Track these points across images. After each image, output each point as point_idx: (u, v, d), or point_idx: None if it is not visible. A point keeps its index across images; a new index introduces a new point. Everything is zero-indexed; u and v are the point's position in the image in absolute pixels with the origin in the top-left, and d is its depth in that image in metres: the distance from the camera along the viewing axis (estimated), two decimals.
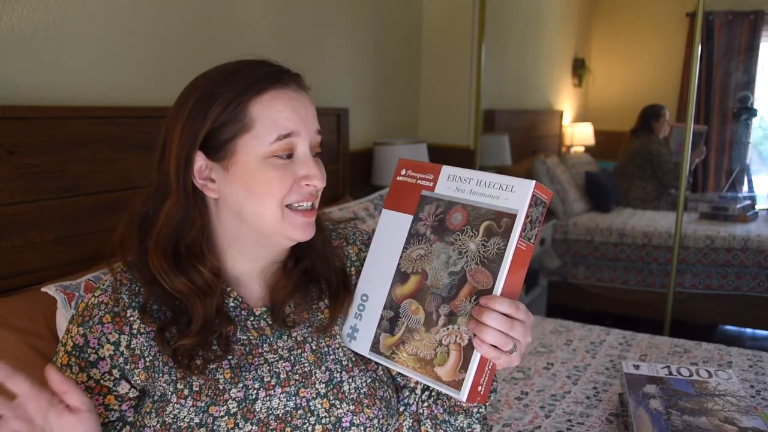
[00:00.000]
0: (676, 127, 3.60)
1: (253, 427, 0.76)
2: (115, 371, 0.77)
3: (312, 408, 0.79)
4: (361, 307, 0.81)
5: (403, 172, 0.81)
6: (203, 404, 0.76)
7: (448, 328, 0.71)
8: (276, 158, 0.76)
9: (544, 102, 4.10)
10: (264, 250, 0.83)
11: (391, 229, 0.80)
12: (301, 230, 0.79)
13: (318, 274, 0.87)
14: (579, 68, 4.19)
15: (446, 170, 0.77)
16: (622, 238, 3.34)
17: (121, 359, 0.77)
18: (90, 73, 1.56)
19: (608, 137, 4.06)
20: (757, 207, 3.44)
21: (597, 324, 2.07)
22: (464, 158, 3.19)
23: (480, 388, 0.69)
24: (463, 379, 0.68)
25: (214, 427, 0.75)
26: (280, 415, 0.77)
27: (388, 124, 2.99)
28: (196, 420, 0.75)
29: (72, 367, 0.77)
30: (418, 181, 0.79)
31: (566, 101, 4.23)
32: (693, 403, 1.24)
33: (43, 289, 1.22)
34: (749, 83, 3.57)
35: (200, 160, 0.77)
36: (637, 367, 1.40)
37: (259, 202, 0.76)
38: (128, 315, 0.77)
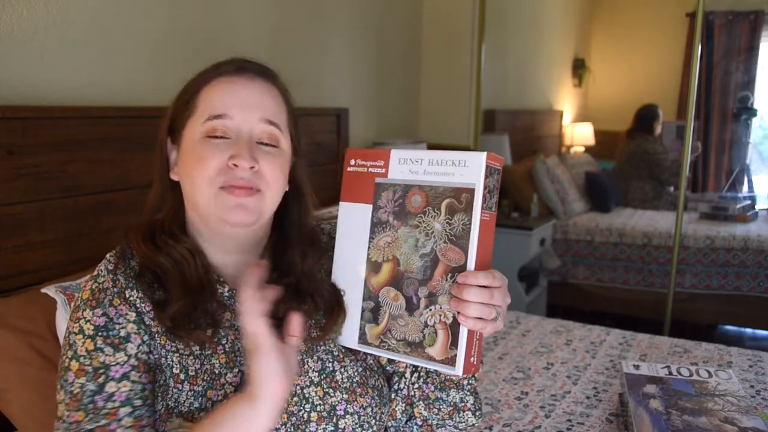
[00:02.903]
0: (666, 123, 3.61)
1: None
2: (144, 347, 0.76)
3: (306, 395, 0.80)
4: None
5: (353, 162, 0.81)
6: (200, 388, 0.76)
7: (430, 309, 0.72)
8: (210, 138, 0.77)
9: (544, 102, 4.10)
10: (219, 237, 0.82)
11: (352, 221, 0.80)
12: (234, 211, 0.76)
13: (307, 292, 0.85)
14: (579, 68, 4.19)
15: (396, 154, 0.77)
16: (622, 238, 3.34)
17: (146, 336, 0.76)
18: (90, 73, 1.56)
19: (608, 137, 4.06)
20: (757, 207, 3.44)
21: (597, 324, 2.07)
22: None
23: (472, 359, 0.71)
24: (456, 354, 0.70)
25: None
26: (291, 391, 0.79)
27: (388, 124, 2.99)
28: (196, 404, 0.76)
29: (104, 350, 0.74)
30: (370, 169, 0.79)
31: (566, 101, 4.24)
32: (693, 403, 1.24)
33: (43, 290, 1.22)
34: (749, 83, 3.57)
35: (169, 146, 0.84)
36: (637, 367, 1.40)
37: (193, 180, 0.77)
38: (127, 295, 0.77)
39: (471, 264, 0.69)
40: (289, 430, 0.78)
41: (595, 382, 1.61)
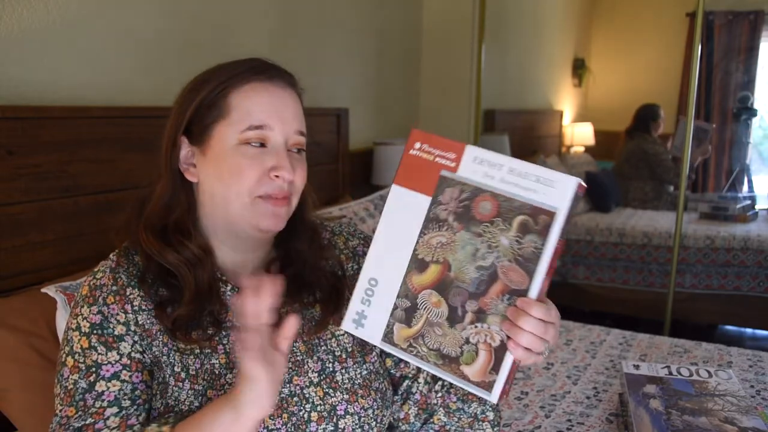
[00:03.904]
0: (682, 119, 3.60)
1: None
2: (137, 346, 0.77)
3: (307, 396, 0.80)
4: (369, 292, 0.73)
5: (417, 146, 0.72)
6: (201, 387, 0.77)
7: (476, 326, 0.67)
8: (247, 146, 0.77)
9: (544, 102, 4.10)
10: (236, 240, 0.83)
11: (404, 209, 0.72)
12: (268, 219, 0.78)
13: (308, 283, 0.86)
14: (579, 68, 4.19)
15: (471, 151, 0.69)
16: (622, 238, 3.34)
17: (136, 336, 0.77)
18: (90, 73, 1.56)
19: (608, 137, 4.06)
20: (757, 207, 3.44)
21: (597, 324, 2.07)
22: None
23: (507, 386, 0.67)
24: (494, 380, 0.66)
25: None
26: (277, 401, 0.78)
27: (388, 124, 2.99)
28: (196, 403, 0.76)
29: (97, 348, 0.75)
30: (437, 159, 0.70)
31: (566, 101, 4.24)
32: (693, 403, 1.24)
33: (43, 290, 1.22)
34: (749, 83, 3.57)
35: (185, 145, 0.81)
36: (637, 367, 1.40)
37: (227, 187, 0.77)
38: (128, 293, 0.78)
39: (534, 291, 0.65)
40: (289, 429, 0.78)
41: (595, 382, 1.61)
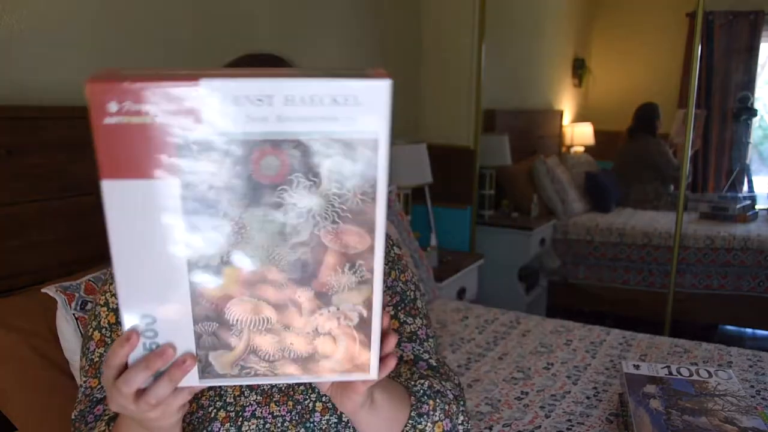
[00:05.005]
0: (681, 111, 3.58)
1: (258, 397, 0.78)
2: None
3: (313, 385, 0.81)
4: (150, 334, 0.53)
5: (113, 107, 0.45)
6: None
7: (322, 313, 0.53)
8: None
9: (544, 102, 4.10)
10: None
11: (140, 213, 0.49)
12: None
13: None
14: (579, 68, 4.19)
15: (214, 88, 0.45)
16: (622, 238, 3.34)
17: None
18: (90, 73, 1.56)
19: (608, 137, 4.06)
20: (757, 207, 3.44)
21: (597, 324, 2.07)
22: (464, 158, 3.19)
23: (384, 356, 0.58)
24: (367, 358, 0.55)
25: (222, 391, 0.78)
26: (283, 388, 0.79)
27: None
28: None
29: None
30: (160, 119, 0.45)
31: (566, 101, 4.24)
32: (693, 403, 1.24)
33: (44, 290, 1.22)
34: (749, 83, 3.57)
35: None
36: (637, 367, 1.40)
37: None
38: None
39: (379, 246, 0.51)
40: (294, 418, 0.79)
41: (595, 382, 1.61)
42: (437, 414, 0.76)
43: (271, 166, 0.47)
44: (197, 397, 0.77)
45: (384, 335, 0.57)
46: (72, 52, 1.51)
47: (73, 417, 0.77)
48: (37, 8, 1.41)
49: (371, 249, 0.51)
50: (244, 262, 0.51)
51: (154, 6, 1.71)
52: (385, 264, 0.89)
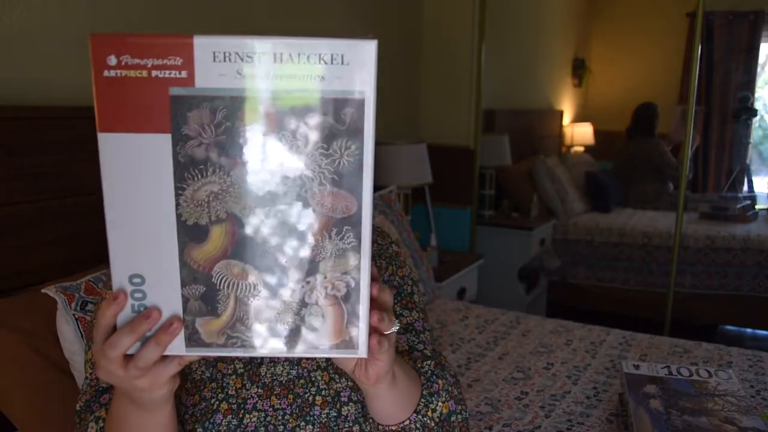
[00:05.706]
0: (681, 107, 3.58)
1: (259, 390, 0.79)
2: None
3: (313, 379, 0.81)
4: (138, 295, 0.53)
5: (112, 60, 0.48)
6: (211, 358, 0.79)
7: (308, 281, 0.52)
8: None
9: (544, 102, 4.10)
10: None
11: (133, 166, 0.51)
12: None
13: None
14: (579, 68, 4.19)
15: (205, 44, 0.47)
16: (622, 238, 3.34)
17: None
18: (90, 73, 1.56)
19: (608, 137, 4.06)
20: (757, 207, 3.44)
21: (597, 324, 2.07)
22: (464, 158, 3.19)
23: (373, 333, 0.57)
24: (356, 334, 0.54)
25: (224, 384, 0.78)
26: (284, 381, 0.80)
27: (388, 124, 2.99)
28: (207, 374, 0.79)
29: None
30: (156, 73, 0.48)
31: (566, 101, 4.24)
32: (693, 403, 1.24)
33: (44, 291, 1.22)
34: (749, 83, 3.57)
35: None
36: (637, 367, 1.40)
37: None
38: None
39: (366, 211, 0.51)
40: (294, 411, 0.79)
41: (595, 382, 1.61)
42: (443, 394, 0.78)
43: (260, 124, 0.49)
44: (200, 388, 0.78)
45: (374, 310, 0.55)
46: (72, 52, 1.51)
47: (77, 408, 0.78)
48: (36, 8, 1.41)
49: (359, 215, 0.51)
50: (232, 221, 0.51)
51: (154, 6, 1.71)
52: (383, 259, 0.89)
